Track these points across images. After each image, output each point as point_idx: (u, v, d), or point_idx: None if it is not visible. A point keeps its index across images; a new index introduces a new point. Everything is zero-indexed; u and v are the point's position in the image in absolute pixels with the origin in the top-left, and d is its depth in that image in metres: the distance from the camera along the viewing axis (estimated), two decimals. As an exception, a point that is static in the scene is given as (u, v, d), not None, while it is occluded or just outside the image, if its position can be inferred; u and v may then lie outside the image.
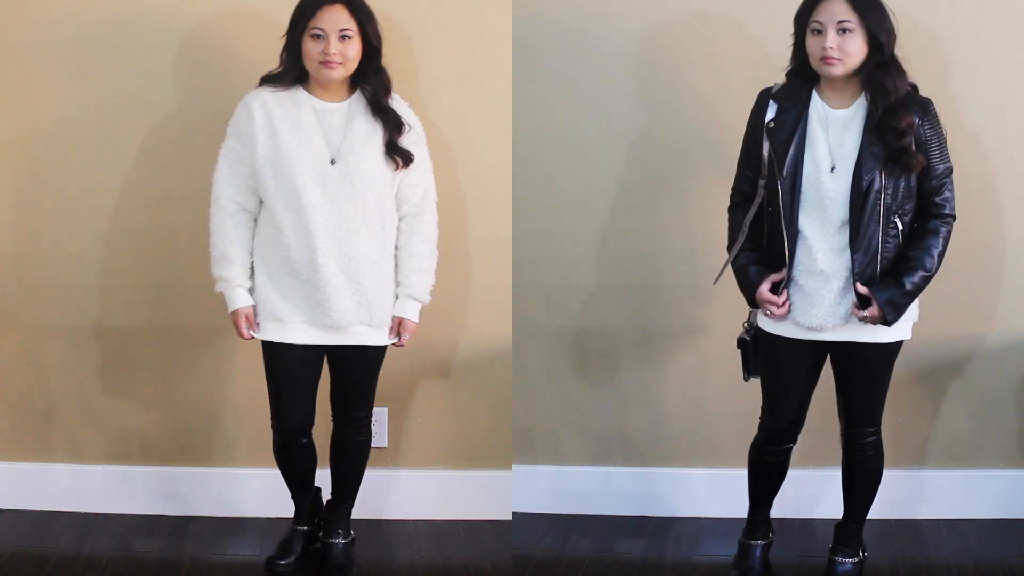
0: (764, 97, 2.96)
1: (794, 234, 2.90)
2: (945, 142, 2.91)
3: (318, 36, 2.94)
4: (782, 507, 3.30)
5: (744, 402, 3.57)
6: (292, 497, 3.31)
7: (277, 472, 3.28)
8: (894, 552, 3.36)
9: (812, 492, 3.37)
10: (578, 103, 3.55)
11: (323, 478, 3.37)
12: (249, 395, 3.59)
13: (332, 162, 2.99)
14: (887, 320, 2.87)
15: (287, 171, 2.97)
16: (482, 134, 3.51)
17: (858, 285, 2.87)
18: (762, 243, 2.99)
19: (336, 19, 2.94)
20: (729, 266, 3.02)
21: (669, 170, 3.54)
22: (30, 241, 3.56)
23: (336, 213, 2.99)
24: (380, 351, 3.17)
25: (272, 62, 3.06)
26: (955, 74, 3.36)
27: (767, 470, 3.17)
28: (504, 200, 3.53)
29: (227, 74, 3.38)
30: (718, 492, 3.64)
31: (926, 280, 2.89)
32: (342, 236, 3.00)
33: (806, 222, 2.90)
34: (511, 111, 3.48)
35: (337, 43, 2.94)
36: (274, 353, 3.08)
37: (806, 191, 2.89)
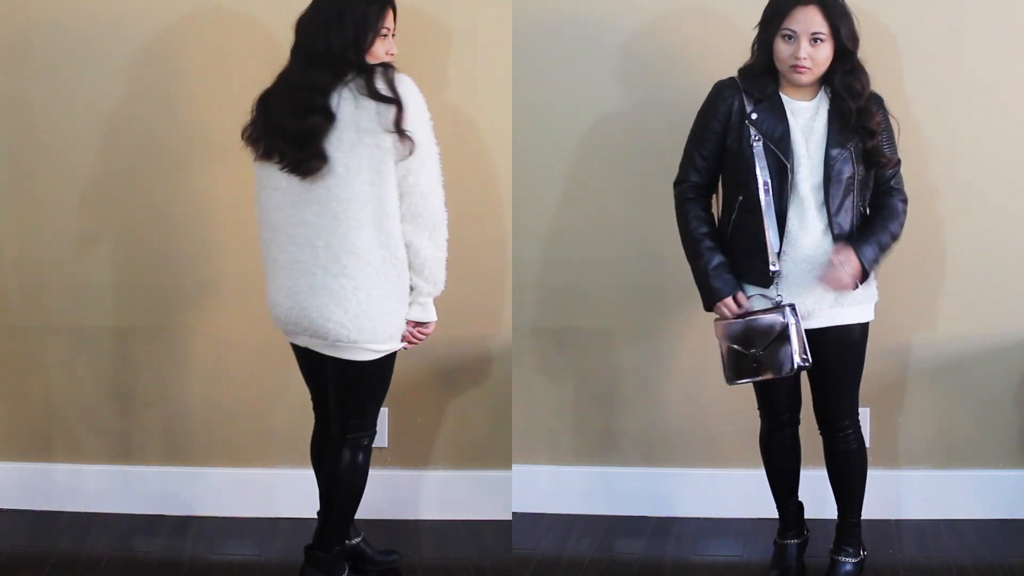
0: (731, 89, 2.96)
1: (783, 225, 2.93)
2: (895, 134, 3.02)
3: (386, 36, 2.88)
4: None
5: (744, 402, 3.57)
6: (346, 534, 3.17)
7: (277, 472, 3.28)
8: (894, 552, 3.36)
9: (815, 493, 3.36)
10: (578, 103, 3.55)
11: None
12: (249, 395, 3.59)
13: None
14: (864, 274, 2.92)
15: None
16: (482, 134, 3.51)
17: (836, 249, 2.92)
18: (725, 237, 3.02)
19: (391, 21, 2.89)
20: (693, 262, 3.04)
21: (669, 170, 3.53)
22: (30, 241, 3.56)
23: None
24: None
25: (260, 60, 3.00)
26: (907, 71, 3.39)
27: (780, 457, 3.18)
28: (504, 200, 3.53)
29: (224, 74, 3.38)
30: (718, 492, 3.64)
31: (894, 241, 2.99)
32: None
33: (792, 213, 2.93)
34: (511, 111, 3.48)
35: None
36: (393, 361, 3.00)
37: (792, 181, 2.92)
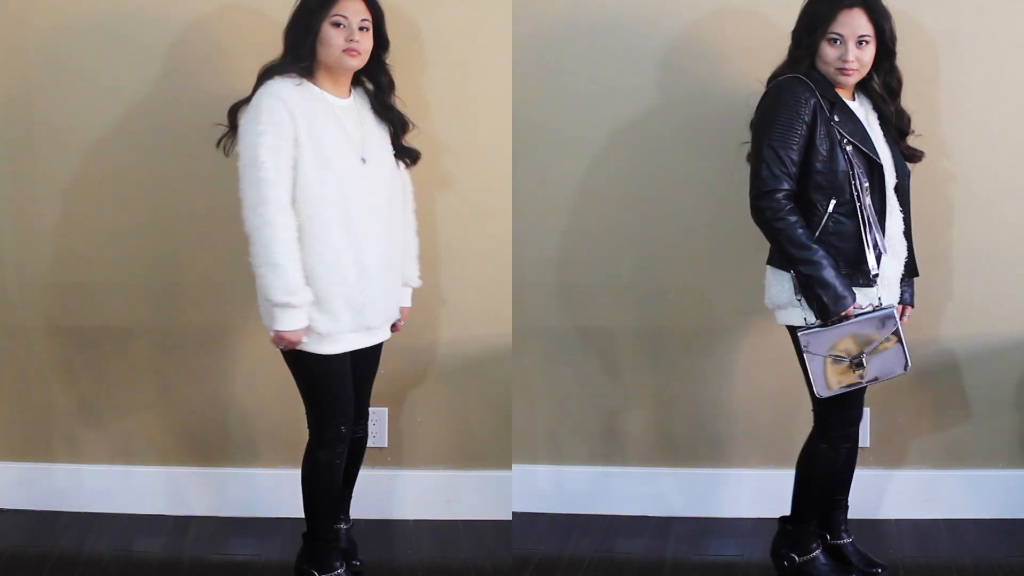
0: (807, 89, 2.87)
1: (883, 226, 2.93)
2: None
3: (339, 24, 2.88)
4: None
5: (744, 402, 3.58)
6: (322, 535, 3.04)
7: (278, 472, 3.29)
8: (894, 552, 3.36)
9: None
10: (578, 102, 3.54)
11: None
12: (249, 395, 3.59)
13: (363, 160, 2.94)
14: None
15: (333, 171, 2.86)
16: (482, 134, 3.51)
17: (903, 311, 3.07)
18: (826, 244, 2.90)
19: (356, 9, 2.91)
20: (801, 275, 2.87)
21: (669, 169, 3.54)
22: (30, 241, 3.56)
23: (374, 213, 2.93)
24: (381, 346, 3.16)
25: (267, 57, 3.02)
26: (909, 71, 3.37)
27: (838, 469, 3.10)
28: (504, 200, 3.53)
29: (229, 71, 3.37)
30: (718, 492, 3.64)
31: None
32: (381, 236, 2.95)
33: (887, 213, 2.95)
34: (511, 111, 3.48)
35: (358, 32, 2.90)
36: (314, 362, 2.92)
37: (885, 182, 2.95)
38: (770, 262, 3.02)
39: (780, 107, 2.86)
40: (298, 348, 2.88)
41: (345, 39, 2.88)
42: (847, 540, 3.21)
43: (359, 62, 2.93)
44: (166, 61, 3.44)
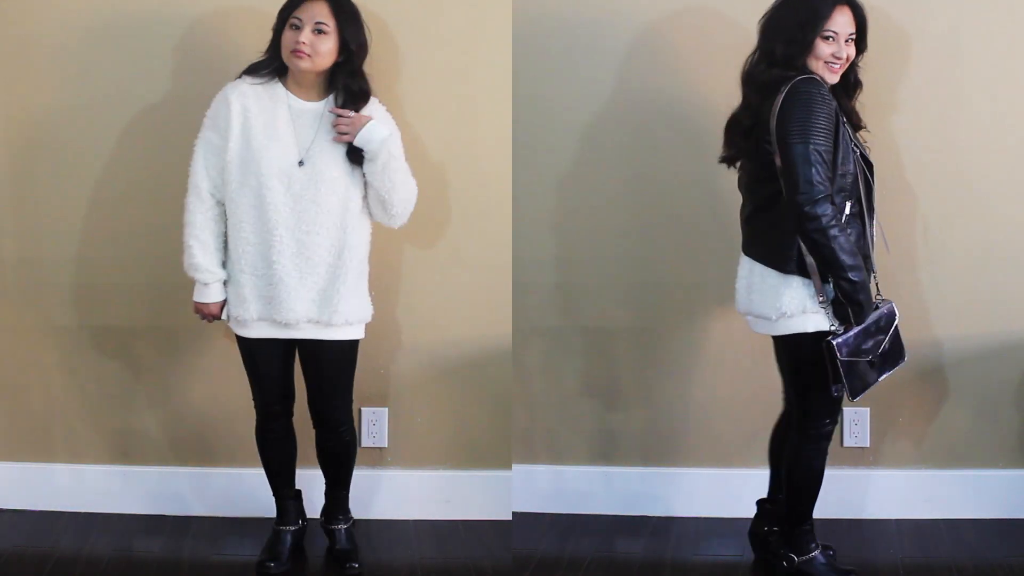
0: (829, 91, 2.86)
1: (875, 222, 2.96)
2: None
3: (295, 26, 2.99)
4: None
5: (743, 402, 3.58)
6: (273, 492, 3.33)
7: (278, 472, 3.29)
8: (894, 552, 3.36)
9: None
10: (579, 102, 3.54)
11: (305, 480, 3.38)
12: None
13: (300, 163, 3.03)
14: None
15: (254, 168, 3.02)
16: (482, 135, 3.51)
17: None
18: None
19: (314, 12, 2.99)
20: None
21: (669, 169, 3.54)
22: (30, 242, 3.56)
23: (297, 213, 3.03)
24: (338, 350, 3.16)
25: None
26: (904, 70, 3.39)
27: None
28: (504, 200, 3.53)
29: (229, 71, 3.37)
30: (718, 492, 3.64)
31: None
32: (301, 236, 3.04)
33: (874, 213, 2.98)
34: (511, 111, 3.48)
35: (309, 34, 2.98)
36: (242, 343, 3.19)
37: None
38: (784, 269, 2.89)
39: (813, 109, 2.79)
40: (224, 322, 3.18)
41: (294, 41, 2.98)
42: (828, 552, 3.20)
43: (309, 64, 3.01)
44: (166, 61, 3.45)
